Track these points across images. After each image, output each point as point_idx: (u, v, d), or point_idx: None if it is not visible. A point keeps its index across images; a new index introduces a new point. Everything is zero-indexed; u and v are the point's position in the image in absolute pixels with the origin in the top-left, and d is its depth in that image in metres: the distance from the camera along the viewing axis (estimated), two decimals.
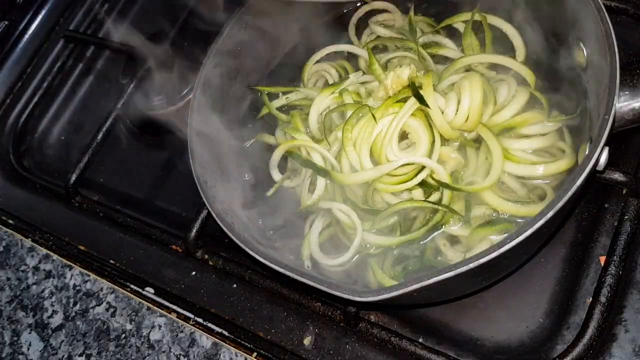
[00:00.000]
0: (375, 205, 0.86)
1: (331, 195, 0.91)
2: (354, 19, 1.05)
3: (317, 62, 1.03)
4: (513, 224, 0.80)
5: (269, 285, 0.94)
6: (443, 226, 0.83)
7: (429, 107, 0.83)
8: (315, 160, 0.91)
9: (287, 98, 1.01)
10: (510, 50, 0.92)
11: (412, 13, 1.01)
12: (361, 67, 1.01)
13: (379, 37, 1.02)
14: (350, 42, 1.05)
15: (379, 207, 0.86)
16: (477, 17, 0.94)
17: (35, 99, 1.38)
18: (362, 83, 0.97)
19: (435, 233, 0.83)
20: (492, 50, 0.92)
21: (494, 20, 0.93)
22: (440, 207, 0.82)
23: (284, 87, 1.04)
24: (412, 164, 0.83)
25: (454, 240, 0.83)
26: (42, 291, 1.09)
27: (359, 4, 1.06)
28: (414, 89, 0.85)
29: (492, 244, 0.76)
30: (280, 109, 1.01)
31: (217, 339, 0.93)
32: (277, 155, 0.95)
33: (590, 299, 0.80)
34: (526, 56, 0.91)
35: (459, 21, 0.97)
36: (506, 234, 0.77)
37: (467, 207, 0.83)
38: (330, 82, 1.01)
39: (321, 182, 0.90)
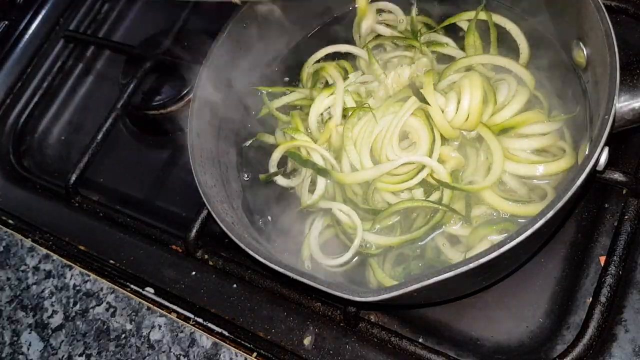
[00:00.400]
0: (375, 205, 0.86)
1: (331, 196, 0.91)
2: (358, 18, 1.05)
3: (317, 62, 1.03)
4: (513, 223, 0.80)
5: (269, 285, 0.94)
6: (443, 226, 0.83)
7: (429, 105, 0.83)
8: (315, 160, 0.91)
9: (285, 98, 1.00)
10: (513, 49, 0.92)
11: (414, 12, 1.01)
12: (361, 67, 1.01)
13: (378, 36, 1.02)
14: (352, 41, 1.05)
15: (379, 206, 0.86)
16: (481, 15, 0.94)
17: (35, 99, 1.38)
18: (362, 83, 0.97)
19: (436, 232, 0.83)
20: (496, 49, 0.92)
21: (498, 18, 0.93)
22: (440, 207, 0.82)
23: (284, 87, 1.04)
24: (413, 163, 0.83)
25: (454, 240, 0.83)
26: (42, 291, 1.09)
27: (357, 5, 1.06)
28: (415, 88, 0.85)
29: (492, 243, 0.77)
30: (280, 109, 1.01)
31: (217, 339, 0.93)
32: (276, 156, 0.95)
33: (590, 299, 0.80)
34: (529, 55, 0.91)
35: (462, 20, 0.97)
36: (506, 234, 0.78)
37: (467, 206, 0.83)
38: (330, 82, 1.01)
39: (321, 182, 0.90)
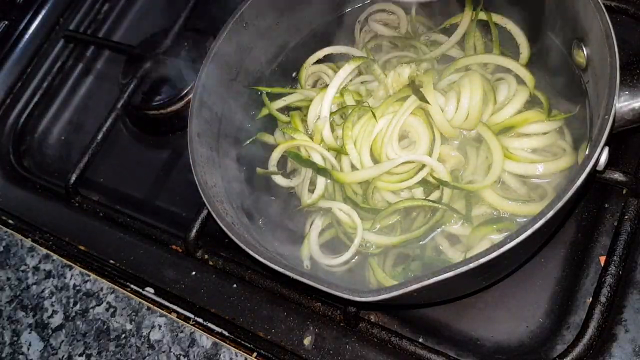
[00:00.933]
0: (375, 204, 0.86)
1: (331, 195, 0.91)
2: (361, 17, 1.05)
3: (315, 63, 1.03)
4: (513, 223, 0.80)
5: (269, 285, 0.94)
6: (443, 225, 0.83)
7: (429, 104, 0.83)
8: (315, 160, 0.91)
9: (284, 100, 1.01)
10: (513, 49, 0.92)
11: (413, 12, 1.01)
12: (360, 68, 1.00)
13: (376, 36, 1.03)
14: (352, 40, 1.05)
15: (379, 206, 0.86)
16: (482, 16, 0.94)
17: (35, 99, 1.38)
18: (362, 82, 0.97)
19: (436, 232, 0.83)
20: (499, 49, 0.92)
21: (498, 18, 0.94)
22: (440, 206, 0.82)
23: (284, 87, 1.04)
24: (412, 162, 0.83)
25: (454, 239, 0.83)
26: (42, 291, 1.09)
27: (360, 4, 1.07)
28: (414, 87, 0.85)
29: (492, 243, 0.77)
30: (280, 110, 1.01)
31: (217, 339, 0.93)
32: (276, 155, 0.95)
33: (590, 299, 0.80)
34: (529, 55, 0.91)
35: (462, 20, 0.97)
36: (506, 233, 0.78)
37: (467, 206, 0.83)
38: (328, 82, 1.01)
39: (321, 181, 0.90)
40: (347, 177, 0.87)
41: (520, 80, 0.87)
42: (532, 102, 0.86)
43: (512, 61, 0.88)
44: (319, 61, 1.03)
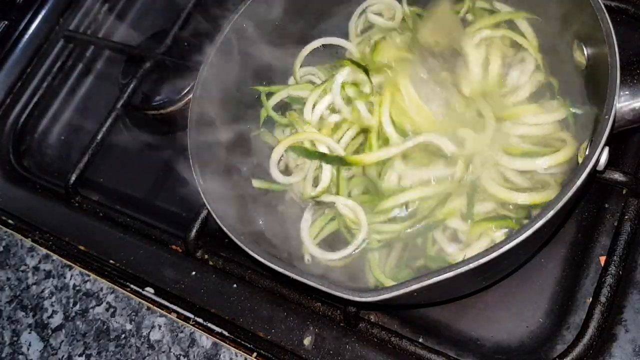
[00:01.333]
0: (389, 183, 0.86)
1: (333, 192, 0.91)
2: (358, 10, 1.05)
3: (310, 64, 1.04)
4: (513, 221, 0.80)
5: (269, 285, 0.94)
6: (445, 222, 0.83)
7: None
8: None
9: (280, 95, 1.01)
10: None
11: (405, 5, 1.01)
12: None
13: (372, 27, 1.03)
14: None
15: (391, 185, 0.86)
16: (483, 4, 0.94)
17: (35, 99, 1.38)
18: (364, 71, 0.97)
19: (436, 228, 0.83)
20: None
21: (500, 6, 0.94)
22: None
23: (284, 86, 1.04)
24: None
25: (454, 236, 0.83)
26: (42, 291, 1.09)
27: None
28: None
29: (492, 240, 0.77)
30: (277, 108, 1.01)
31: (217, 339, 0.93)
32: (277, 154, 0.95)
33: (590, 299, 0.80)
34: (538, 45, 0.91)
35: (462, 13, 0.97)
36: (506, 230, 0.78)
37: (469, 202, 0.82)
38: (318, 83, 1.01)
39: (326, 175, 0.89)
40: (365, 158, 0.87)
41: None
42: (538, 93, 0.86)
43: (526, 41, 0.89)
44: (315, 53, 1.03)
